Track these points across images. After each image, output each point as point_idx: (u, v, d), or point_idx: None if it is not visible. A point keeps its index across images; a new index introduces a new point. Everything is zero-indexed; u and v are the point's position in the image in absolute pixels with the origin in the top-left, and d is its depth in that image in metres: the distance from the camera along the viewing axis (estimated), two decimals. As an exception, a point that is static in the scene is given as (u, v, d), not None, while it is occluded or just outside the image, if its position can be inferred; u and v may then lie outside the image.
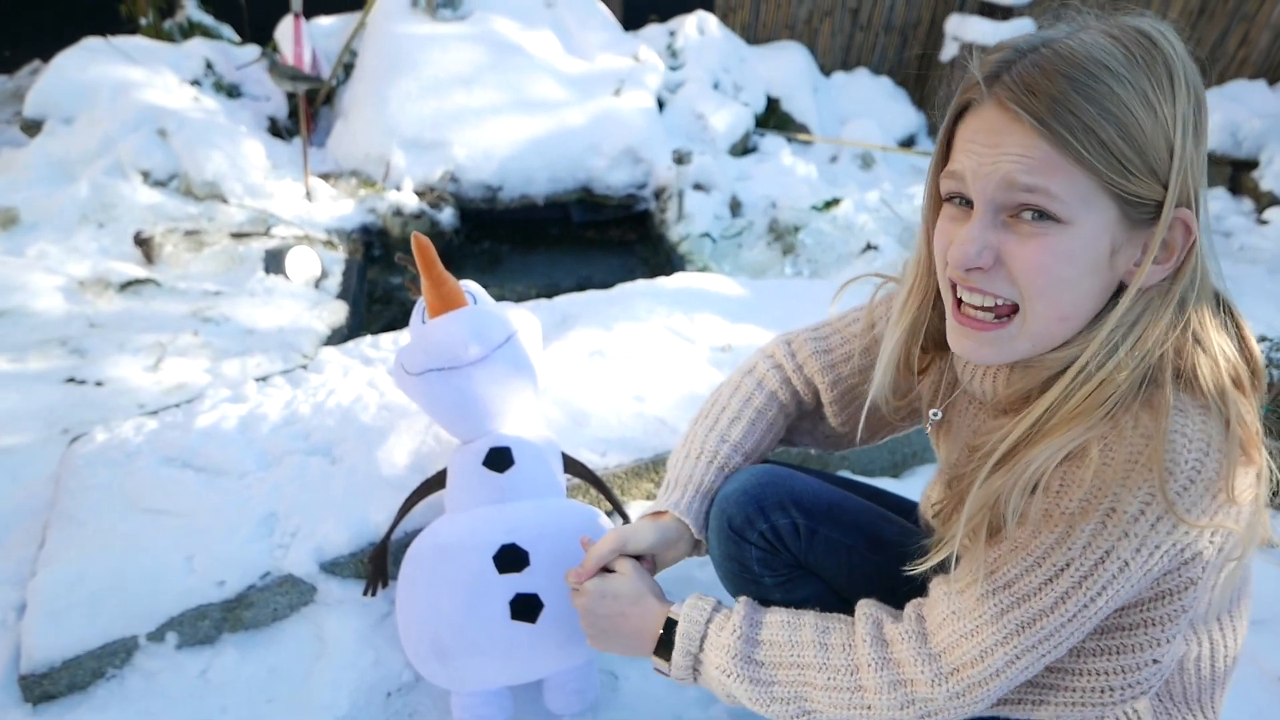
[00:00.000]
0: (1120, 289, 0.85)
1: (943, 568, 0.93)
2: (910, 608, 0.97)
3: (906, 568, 0.95)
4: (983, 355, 0.90)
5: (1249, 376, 0.85)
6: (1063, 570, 0.83)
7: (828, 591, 1.14)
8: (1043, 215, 0.81)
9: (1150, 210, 0.81)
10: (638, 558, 1.15)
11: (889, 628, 0.96)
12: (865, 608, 1.00)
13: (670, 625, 1.06)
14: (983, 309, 0.87)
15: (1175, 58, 0.79)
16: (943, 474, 1.09)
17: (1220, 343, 0.84)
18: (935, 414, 1.09)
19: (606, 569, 1.13)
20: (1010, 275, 0.84)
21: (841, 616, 1.01)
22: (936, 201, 0.93)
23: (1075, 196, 0.80)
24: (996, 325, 0.87)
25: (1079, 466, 0.82)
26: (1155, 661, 0.90)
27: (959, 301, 0.90)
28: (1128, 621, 0.89)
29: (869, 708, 0.94)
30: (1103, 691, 0.93)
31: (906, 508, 1.28)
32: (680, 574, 1.68)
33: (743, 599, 1.07)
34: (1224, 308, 0.87)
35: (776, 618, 1.03)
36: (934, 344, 1.05)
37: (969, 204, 0.86)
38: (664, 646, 1.06)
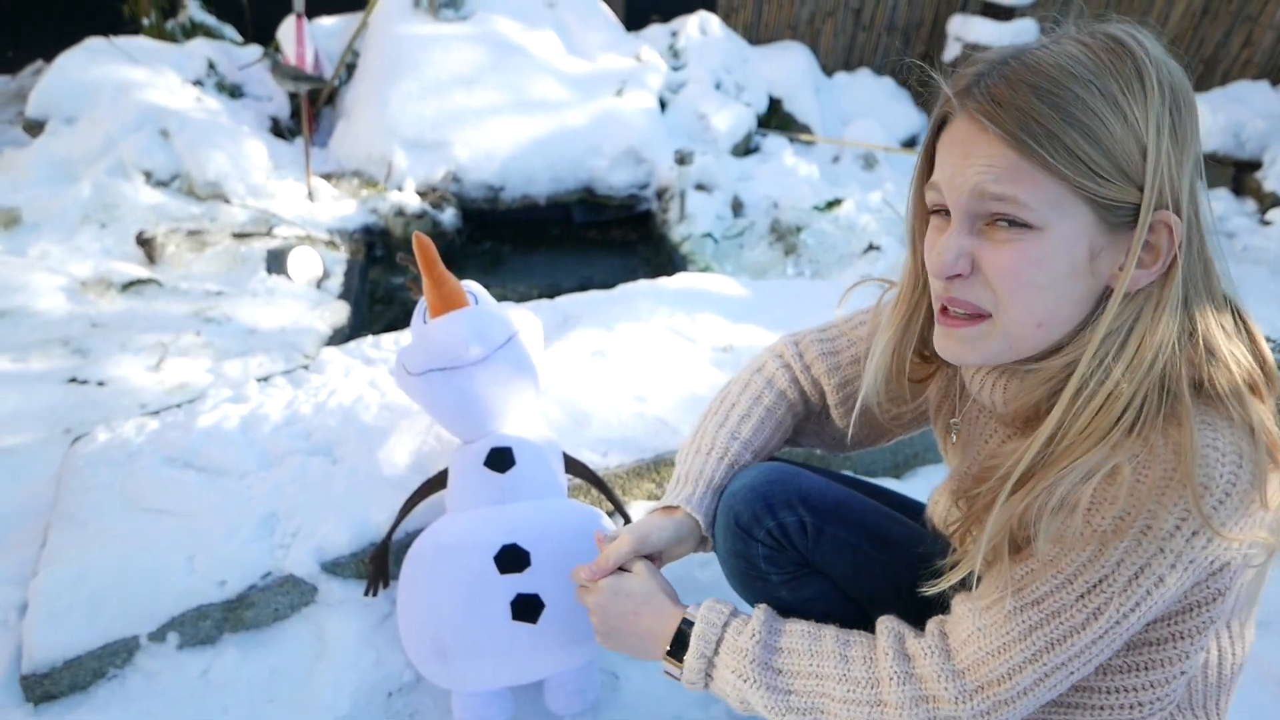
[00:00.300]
0: (1110, 295, 0.84)
1: (962, 584, 0.93)
2: (933, 624, 0.97)
3: (923, 588, 0.94)
4: (961, 353, 0.90)
5: (1264, 382, 0.85)
6: (1095, 586, 0.83)
7: (834, 590, 1.13)
8: (1015, 222, 0.82)
9: (1128, 213, 0.81)
10: (648, 556, 1.14)
11: (911, 642, 0.96)
12: (886, 622, 1.00)
13: (684, 628, 1.06)
14: (961, 317, 0.89)
15: (1147, 60, 0.79)
16: (951, 482, 1.09)
17: (1232, 350, 0.83)
18: (955, 423, 1.09)
19: (621, 568, 1.13)
20: (986, 281, 0.85)
21: (862, 631, 1.01)
22: (922, 213, 0.94)
23: (1045, 203, 0.80)
24: (970, 323, 0.88)
25: (1111, 484, 0.81)
26: (1183, 674, 0.90)
27: (943, 307, 0.90)
28: (1155, 636, 0.89)
29: None
30: (1132, 708, 0.92)
31: (912, 507, 1.28)
32: (681, 574, 1.68)
33: (761, 606, 1.06)
34: (1234, 313, 0.87)
35: (797, 627, 1.03)
36: (937, 353, 1.05)
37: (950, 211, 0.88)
38: (677, 649, 1.06)
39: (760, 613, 1.05)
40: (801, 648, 1.00)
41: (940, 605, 0.98)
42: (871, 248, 3.94)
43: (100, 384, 2.47)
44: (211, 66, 4.59)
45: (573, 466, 1.64)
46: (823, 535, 1.11)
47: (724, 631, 1.04)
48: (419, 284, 1.55)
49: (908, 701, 0.92)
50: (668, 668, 1.07)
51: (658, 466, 1.84)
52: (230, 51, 4.79)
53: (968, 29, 5.79)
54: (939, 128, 0.89)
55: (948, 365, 1.09)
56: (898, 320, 1.03)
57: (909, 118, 5.92)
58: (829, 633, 1.01)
